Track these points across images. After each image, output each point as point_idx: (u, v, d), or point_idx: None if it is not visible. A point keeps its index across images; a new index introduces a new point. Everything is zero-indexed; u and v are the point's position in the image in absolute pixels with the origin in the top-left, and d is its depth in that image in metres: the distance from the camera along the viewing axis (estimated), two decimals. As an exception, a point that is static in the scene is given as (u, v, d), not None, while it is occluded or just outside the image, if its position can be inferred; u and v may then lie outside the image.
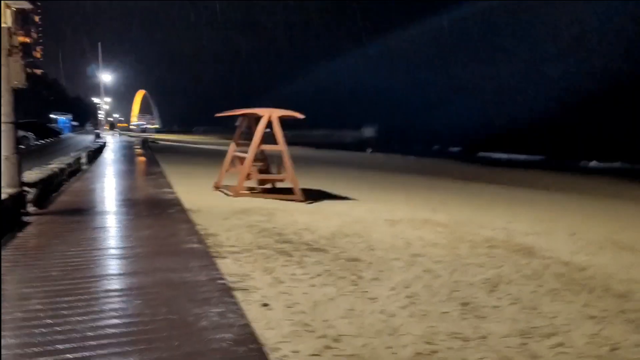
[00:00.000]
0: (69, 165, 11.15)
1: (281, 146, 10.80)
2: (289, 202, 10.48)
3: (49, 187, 8.42)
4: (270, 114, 10.65)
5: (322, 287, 4.66)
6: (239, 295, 4.15)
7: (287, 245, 6.11)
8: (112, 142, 36.69)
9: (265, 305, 4.09)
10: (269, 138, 11.06)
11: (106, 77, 69.89)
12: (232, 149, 12.04)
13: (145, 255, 5.09)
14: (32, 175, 7.81)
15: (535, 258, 6.49)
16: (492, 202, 13.33)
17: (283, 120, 10.84)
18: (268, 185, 11.70)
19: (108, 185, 10.80)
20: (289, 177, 10.88)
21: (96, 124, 75.15)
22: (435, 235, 7.55)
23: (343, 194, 12.72)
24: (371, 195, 13.24)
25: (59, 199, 8.48)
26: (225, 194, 11.10)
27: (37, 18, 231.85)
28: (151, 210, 7.69)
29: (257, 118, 11.42)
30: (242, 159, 11.31)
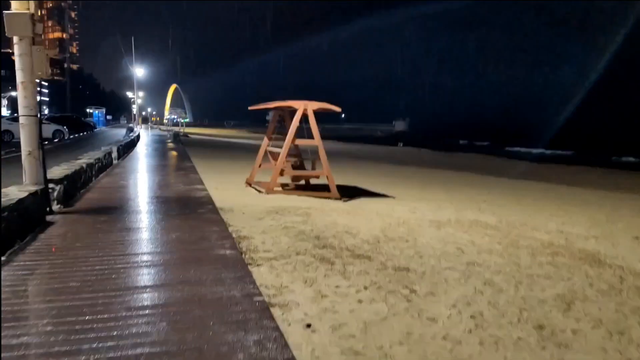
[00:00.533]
0: (98, 160, 10.84)
1: (317, 141, 10.24)
2: (325, 200, 9.92)
3: (75, 184, 8.07)
4: (305, 107, 10.09)
5: (371, 304, 4.08)
6: (277, 312, 3.61)
7: (328, 251, 5.54)
8: (144, 135, 36.82)
9: (308, 326, 3.53)
10: (302, 132, 10.52)
11: (139, 71, 70.63)
12: (265, 143, 11.55)
13: (174, 263, 4.59)
14: (58, 171, 7.45)
15: (606, 268, 5.76)
16: (539, 200, 12.49)
17: (317, 114, 10.26)
18: (302, 182, 11.17)
19: (137, 181, 10.43)
20: (324, 174, 10.31)
21: (130, 117, 76.07)
22: (487, 240, 6.87)
23: (380, 191, 12.09)
24: (409, 192, 12.56)
25: (87, 196, 8.12)
26: (258, 190, 10.61)
27: (73, 14, 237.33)
28: (181, 209, 7.23)
29: (291, 111, 10.88)
30: (275, 155, 10.80)
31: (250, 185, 11.40)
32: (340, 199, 10.17)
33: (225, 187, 10.75)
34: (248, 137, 58.49)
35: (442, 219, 8.35)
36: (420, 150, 45.97)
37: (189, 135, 44.69)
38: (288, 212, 7.83)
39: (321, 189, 10.97)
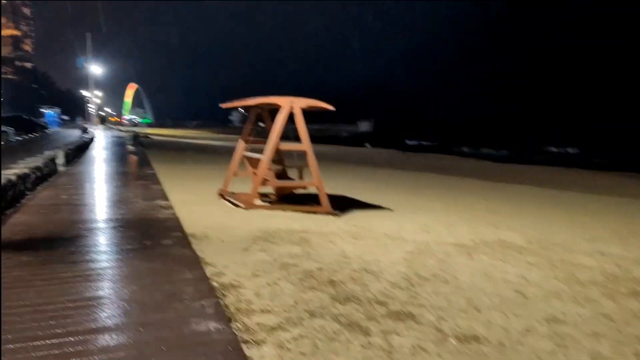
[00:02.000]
0: (37, 169, 8.84)
1: (305, 145, 8.55)
2: (317, 216, 8.26)
3: (-2, 204, 6.15)
4: (291, 104, 8.39)
5: None
6: None
7: (353, 308, 3.87)
8: (101, 137, 34.22)
9: None
10: (284, 133, 8.82)
11: (96, 69, 67.21)
12: (240, 147, 9.77)
13: (127, 353, 2.83)
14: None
15: None
16: (543, 208, 11.16)
17: (305, 114, 8.58)
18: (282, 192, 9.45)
19: (85, 196, 8.49)
20: (315, 184, 8.64)
21: (85, 117, 72.40)
22: (538, 273, 5.36)
23: (371, 201, 10.53)
24: (404, 201, 11.04)
25: (12, 220, 6.19)
26: (235, 204, 8.85)
27: (27, 10, 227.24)
28: (140, 240, 5.41)
29: (273, 109, 9.18)
30: (254, 161, 9.05)
31: (224, 197, 9.62)
32: (333, 213, 8.54)
33: (194, 201, 8.94)
34: (212, 137, 56.16)
35: (465, 241, 6.83)
36: (388, 151, 44.92)
37: (150, 137, 42.16)
38: (280, 237, 6.11)
39: (308, 200, 9.31)
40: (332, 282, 4.43)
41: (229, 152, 28.26)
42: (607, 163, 32.46)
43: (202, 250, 5.26)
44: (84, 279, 4.01)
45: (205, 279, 4.11)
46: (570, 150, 48.99)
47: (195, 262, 4.55)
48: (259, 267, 4.81)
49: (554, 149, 55.89)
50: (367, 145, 55.64)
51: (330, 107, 8.72)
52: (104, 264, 4.43)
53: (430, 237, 6.92)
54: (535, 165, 30.24)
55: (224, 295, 3.89)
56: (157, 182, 10.41)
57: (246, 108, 10.19)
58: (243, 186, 10.44)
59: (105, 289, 3.79)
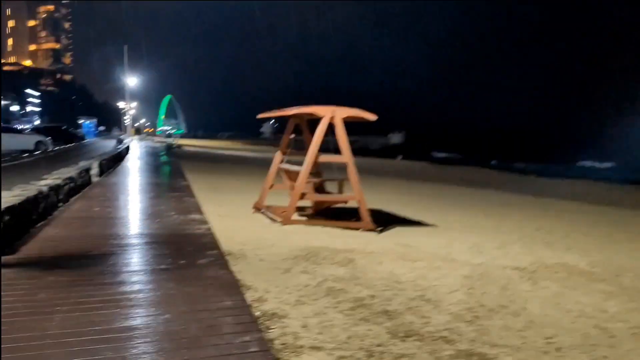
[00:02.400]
0: (70, 179, 8.61)
1: (346, 157, 8.09)
2: (356, 231, 7.78)
3: (28, 216, 5.86)
4: (332, 114, 7.95)
5: None
6: None
7: (415, 346, 3.35)
8: (135, 148, 34.54)
9: None
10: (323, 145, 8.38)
11: (131, 80, 68.51)
12: (277, 159, 9.37)
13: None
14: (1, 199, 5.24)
15: None
16: (597, 227, 10.39)
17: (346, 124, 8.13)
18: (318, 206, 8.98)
19: (118, 209, 8.20)
20: (355, 198, 8.15)
21: (121, 128, 73.78)
22: (616, 305, 4.73)
23: (412, 216, 10.00)
24: (445, 217, 10.44)
25: (43, 234, 5.89)
26: (271, 219, 8.44)
27: (67, 24, 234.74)
28: (174, 258, 5.02)
29: (312, 120, 8.77)
30: (292, 174, 8.63)
31: (259, 210, 9.22)
32: (374, 229, 8.04)
33: (229, 215, 8.56)
34: (244, 149, 56.27)
35: (523, 264, 6.23)
36: (420, 164, 44.04)
37: (183, 147, 42.46)
38: (322, 257, 5.63)
39: (346, 215, 8.83)
40: (386, 313, 3.92)
41: (261, 164, 28.03)
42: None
43: (240, 270, 4.82)
44: (114, 304, 3.61)
45: (245, 306, 3.66)
46: (606, 164, 46.92)
47: (234, 286, 4.11)
48: (304, 292, 4.34)
49: (587, 163, 54.25)
50: (399, 157, 54.88)
51: (373, 117, 8.25)
52: (136, 287, 4.03)
53: (485, 259, 6.34)
54: (569, 179, 29.06)
55: (267, 328, 3.42)
56: (191, 194, 10.09)
57: (283, 119, 9.81)
58: (279, 199, 10.03)
59: (137, 317, 3.38)
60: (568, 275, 5.84)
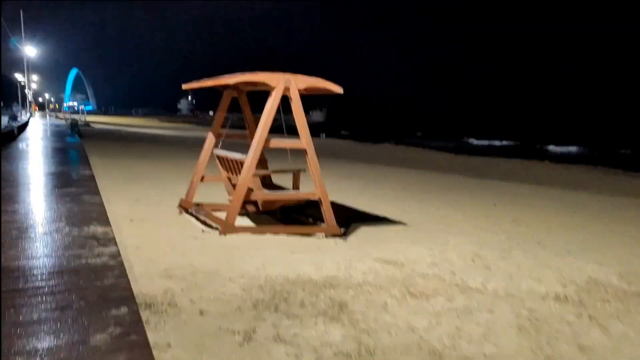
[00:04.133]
0: None
1: (305, 141, 6.14)
2: (319, 239, 5.93)
3: None
4: (287, 84, 5.94)
5: None
6: None
7: None
8: (35, 126, 30.28)
9: None
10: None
11: (30, 51, 61.56)
12: (209, 142, 7.21)
13: None
14: None
15: None
16: (578, 216, 9.20)
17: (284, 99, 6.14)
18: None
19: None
20: (317, 195, 6.24)
21: (21, 105, 66.36)
22: None
23: (372, 208, 8.33)
24: (412, 209, 8.86)
25: None
26: (205, 223, 6.36)
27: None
28: (42, 335, 2.85)
29: (253, 93, 6.74)
30: (231, 163, 6.54)
31: (187, 210, 7.07)
32: (339, 234, 6.23)
33: (146, 217, 6.38)
34: (160, 126, 52.35)
35: (554, 286, 4.70)
36: (345, 142, 42.80)
37: (91, 125, 38.29)
38: (297, 302, 3.66)
39: (297, 212, 6.98)
40: None
41: (181, 143, 25.25)
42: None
43: (170, 344, 2.79)
44: None
45: None
46: (571, 148, 46.73)
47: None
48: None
49: (474, 141, 56.04)
50: (323, 135, 53.60)
51: (339, 89, 6.33)
52: None
53: (505, 282, 4.69)
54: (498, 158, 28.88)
55: None
56: (95, 190, 7.66)
57: (209, 92, 7.62)
58: (213, 194, 7.91)
59: None
60: (618, 300, 4.34)
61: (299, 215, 7.09)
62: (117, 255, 4.14)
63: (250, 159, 5.84)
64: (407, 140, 48.59)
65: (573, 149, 45.15)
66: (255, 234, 5.92)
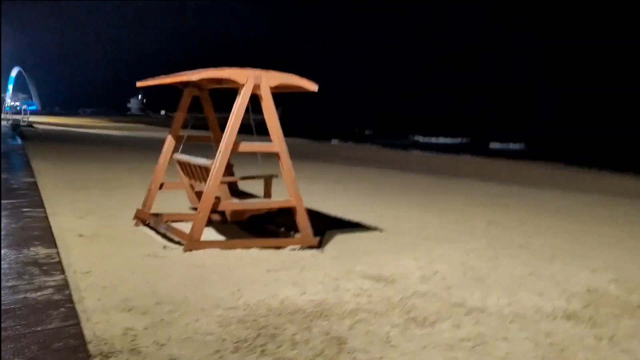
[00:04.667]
0: None
1: (277, 144, 5.56)
2: (293, 251, 5.39)
3: None
4: (257, 81, 5.33)
5: None
6: None
7: None
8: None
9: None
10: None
11: (-34, 47, 58.01)
12: (169, 146, 6.50)
13: None
14: None
15: None
16: (512, 209, 9.00)
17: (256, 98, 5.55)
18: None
19: None
20: (292, 203, 5.67)
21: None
22: None
23: (344, 215, 7.87)
24: (382, 213, 8.45)
25: None
26: (165, 236, 5.69)
27: None
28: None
29: (217, 91, 6.12)
30: (194, 169, 5.87)
31: (145, 222, 6.34)
32: (317, 245, 5.71)
33: (98, 232, 5.65)
34: (110, 126, 50.28)
35: (558, 301, 4.31)
36: (294, 140, 42.24)
37: (35, 126, 36.22)
38: (286, 341, 3.08)
39: (267, 223, 6.41)
40: None
41: (135, 144, 23.95)
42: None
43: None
44: None
45: None
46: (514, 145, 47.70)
47: None
48: None
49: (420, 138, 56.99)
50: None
51: (314, 87, 5.78)
52: None
53: (507, 298, 4.26)
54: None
55: None
56: (38, 201, 6.82)
57: (174, 87, 6.90)
58: (173, 203, 7.22)
59: None
60: (628, 315, 4.00)
61: (268, 224, 6.49)
62: (64, 286, 3.45)
63: (217, 165, 5.20)
64: (359, 137, 48.84)
65: (516, 145, 46.25)
66: (224, 248, 5.28)
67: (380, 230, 7.14)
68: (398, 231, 7.13)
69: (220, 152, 5.25)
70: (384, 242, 6.38)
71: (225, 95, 7.39)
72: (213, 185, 5.19)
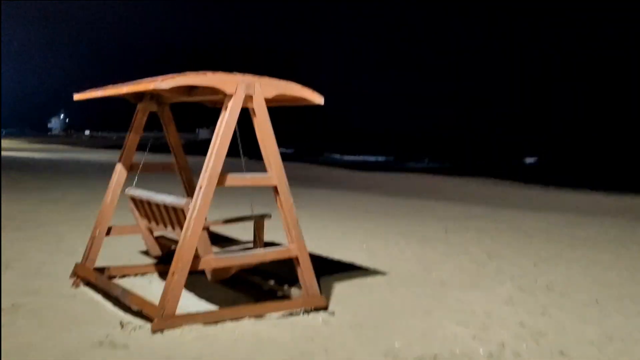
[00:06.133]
0: None
1: (275, 175, 4.16)
2: (291, 318, 4.01)
3: None
4: (248, 92, 3.92)
5: None
6: None
7: None
8: None
9: None
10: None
11: None
12: (118, 178, 4.89)
13: None
14: None
15: None
16: (556, 245, 8.09)
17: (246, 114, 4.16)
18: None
19: None
20: (294, 252, 4.26)
21: None
22: None
23: (329, 253, 6.66)
24: (374, 247, 7.31)
25: None
26: (117, 304, 4.09)
27: None
28: None
29: (179, 106, 4.67)
30: (151, 208, 4.32)
31: (86, 282, 4.68)
32: (324, 306, 4.34)
33: (20, 303, 3.99)
34: (31, 148, 46.08)
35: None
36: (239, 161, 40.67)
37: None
38: None
39: (252, 274, 4.96)
40: None
41: (61, 169, 21.25)
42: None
43: None
44: None
45: None
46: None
47: None
48: None
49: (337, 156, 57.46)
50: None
51: (319, 99, 4.44)
52: None
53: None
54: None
55: None
56: None
57: (124, 101, 5.31)
58: (126, 251, 5.58)
59: None
60: None
61: (254, 277, 5.02)
62: None
63: (199, 205, 3.70)
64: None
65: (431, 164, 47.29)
66: (208, 324, 3.75)
67: (383, 273, 5.92)
68: (403, 274, 5.93)
69: (201, 187, 3.76)
70: (399, 294, 5.11)
71: (182, 110, 5.95)
72: (192, 234, 3.67)
